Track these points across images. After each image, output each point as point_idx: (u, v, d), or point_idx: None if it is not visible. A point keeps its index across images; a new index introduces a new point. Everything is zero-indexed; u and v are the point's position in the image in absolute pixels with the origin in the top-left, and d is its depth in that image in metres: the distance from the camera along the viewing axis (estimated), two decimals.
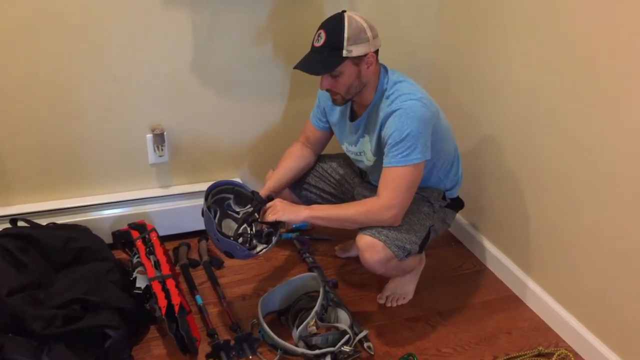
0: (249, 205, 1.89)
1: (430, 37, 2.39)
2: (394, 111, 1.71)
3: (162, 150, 2.18)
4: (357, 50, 1.67)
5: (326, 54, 1.68)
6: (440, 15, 2.35)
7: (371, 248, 1.76)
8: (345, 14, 1.68)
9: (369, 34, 1.69)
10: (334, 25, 1.68)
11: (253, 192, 1.88)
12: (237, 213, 1.91)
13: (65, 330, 1.62)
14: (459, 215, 2.12)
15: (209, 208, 1.81)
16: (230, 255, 1.79)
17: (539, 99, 1.89)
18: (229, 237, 1.79)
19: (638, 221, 1.60)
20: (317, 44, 1.70)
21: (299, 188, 2.11)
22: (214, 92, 2.19)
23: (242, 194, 1.91)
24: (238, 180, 2.24)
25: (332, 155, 2.15)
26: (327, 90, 1.77)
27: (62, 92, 1.99)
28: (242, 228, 1.84)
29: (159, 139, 2.16)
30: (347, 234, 2.32)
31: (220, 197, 1.90)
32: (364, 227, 1.79)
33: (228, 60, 2.15)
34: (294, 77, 2.27)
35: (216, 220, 1.86)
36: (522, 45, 1.94)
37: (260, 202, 1.84)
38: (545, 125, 1.88)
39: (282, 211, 1.79)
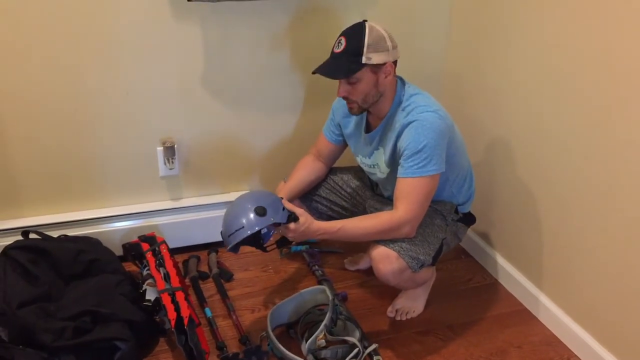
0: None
1: (441, 49, 2.40)
2: (411, 122, 1.71)
3: (172, 163, 2.20)
4: (376, 58, 1.68)
5: (345, 60, 1.69)
6: (451, 26, 2.35)
7: (385, 259, 1.75)
8: (367, 23, 1.70)
9: (389, 43, 1.70)
10: (354, 32, 1.70)
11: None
12: None
13: (75, 343, 1.63)
14: (469, 228, 2.10)
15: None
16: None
17: (552, 111, 1.89)
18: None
19: None
20: (337, 50, 1.71)
21: (309, 199, 2.11)
22: (225, 104, 2.20)
23: None
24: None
25: (344, 167, 2.15)
26: (344, 97, 1.76)
27: (73, 106, 2.02)
28: None
29: (170, 151, 2.17)
30: (356, 247, 2.32)
31: None
32: None
33: (239, 72, 2.16)
34: (306, 89, 2.28)
35: None
36: (533, 56, 1.94)
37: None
38: (558, 138, 1.87)
39: (296, 237, 1.76)
